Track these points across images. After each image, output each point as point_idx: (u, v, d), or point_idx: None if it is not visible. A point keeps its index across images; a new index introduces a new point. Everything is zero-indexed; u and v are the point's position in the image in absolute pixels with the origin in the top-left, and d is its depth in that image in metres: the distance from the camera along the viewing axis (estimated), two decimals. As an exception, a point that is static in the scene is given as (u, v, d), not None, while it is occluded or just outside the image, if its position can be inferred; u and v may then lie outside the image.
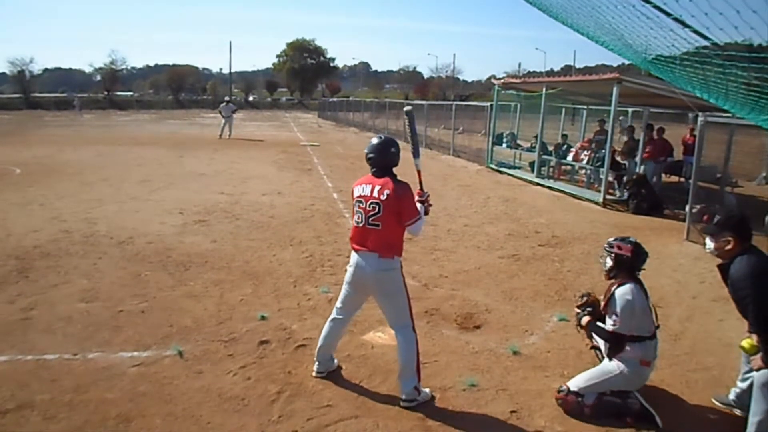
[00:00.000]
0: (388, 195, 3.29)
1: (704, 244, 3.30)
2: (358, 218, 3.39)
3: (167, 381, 3.63)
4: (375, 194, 3.33)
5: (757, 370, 2.93)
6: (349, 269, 3.50)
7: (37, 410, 3.25)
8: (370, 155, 3.42)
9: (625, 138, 12.00)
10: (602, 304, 3.66)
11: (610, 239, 3.60)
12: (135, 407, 3.32)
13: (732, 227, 3.06)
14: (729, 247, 3.05)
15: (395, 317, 3.47)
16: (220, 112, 22.59)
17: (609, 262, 3.51)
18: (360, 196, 3.40)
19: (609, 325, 3.39)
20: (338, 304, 3.65)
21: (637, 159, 11.06)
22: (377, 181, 3.37)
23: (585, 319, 3.61)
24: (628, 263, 3.46)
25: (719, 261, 3.17)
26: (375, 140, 3.46)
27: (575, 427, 3.28)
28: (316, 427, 3.20)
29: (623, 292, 3.37)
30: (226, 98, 23.37)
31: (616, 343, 3.41)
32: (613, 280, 3.53)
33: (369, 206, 3.34)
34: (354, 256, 3.45)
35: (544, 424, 3.29)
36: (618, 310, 3.34)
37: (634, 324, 3.35)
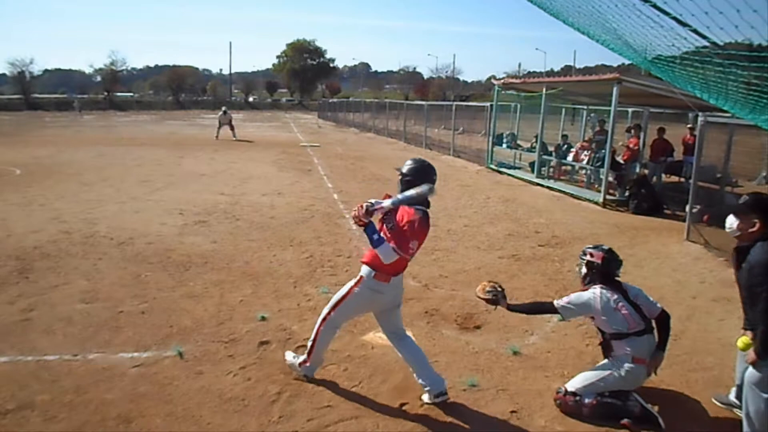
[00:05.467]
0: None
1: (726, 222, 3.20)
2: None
3: (167, 381, 3.63)
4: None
5: (751, 364, 2.91)
6: (379, 295, 3.34)
7: (38, 411, 3.25)
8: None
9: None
10: None
11: (585, 247, 3.70)
12: (135, 408, 3.32)
13: (761, 210, 2.96)
14: (753, 229, 2.95)
15: (401, 323, 3.54)
16: (219, 120, 23.08)
17: (584, 270, 3.61)
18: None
19: (558, 299, 3.54)
20: (344, 321, 3.63)
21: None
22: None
23: (503, 307, 3.66)
24: (600, 270, 3.53)
25: (737, 244, 3.09)
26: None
27: (575, 427, 3.28)
28: (317, 427, 3.20)
29: (587, 292, 3.49)
30: (224, 108, 24.14)
31: (539, 311, 3.70)
32: (587, 286, 3.58)
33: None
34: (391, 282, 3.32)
35: (545, 424, 3.29)
36: (574, 297, 3.49)
37: (604, 322, 3.42)
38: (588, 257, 3.57)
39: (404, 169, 3.36)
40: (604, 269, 3.52)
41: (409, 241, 3.15)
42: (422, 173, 3.31)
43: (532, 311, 3.80)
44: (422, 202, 3.26)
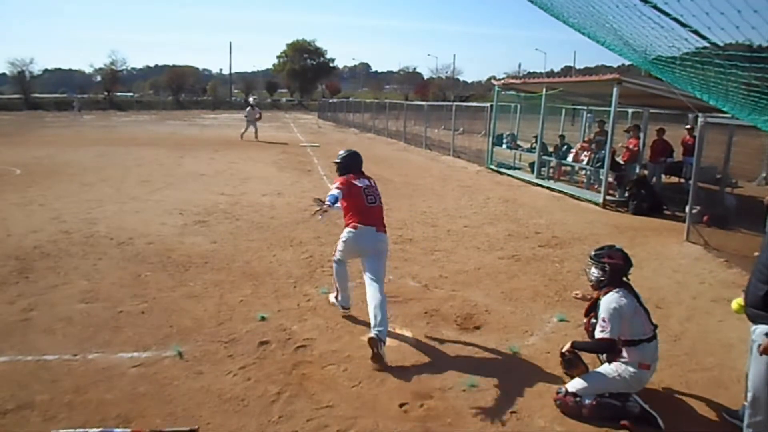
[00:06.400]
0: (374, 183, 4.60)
1: None
2: (370, 200, 4.46)
3: (167, 381, 3.63)
4: (372, 183, 4.56)
5: (762, 353, 2.88)
6: (356, 238, 4.42)
7: (37, 411, 3.25)
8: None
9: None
10: (585, 309, 3.71)
11: (595, 251, 3.61)
12: (135, 408, 3.32)
13: None
14: None
15: (382, 272, 4.43)
16: (247, 117, 22.10)
17: (596, 273, 3.52)
18: (367, 186, 4.50)
19: (598, 331, 3.38)
20: (346, 259, 4.67)
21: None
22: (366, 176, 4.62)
23: (567, 345, 3.59)
24: (622, 271, 3.49)
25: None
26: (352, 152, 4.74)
27: (575, 427, 3.28)
28: (316, 427, 3.20)
29: (609, 300, 3.38)
30: (251, 101, 23.38)
31: (607, 349, 3.41)
32: (601, 290, 3.53)
33: (374, 190, 4.52)
34: (367, 231, 4.38)
35: (544, 425, 3.29)
36: (605, 315, 3.34)
37: (626, 329, 3.35)
38: (607, 260, 3.47)
39: (338, 159, 4.65)
40: (624, 270, 3.48)
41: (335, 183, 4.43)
42: (351, 159, 4.62)
43: (593, 350, 3.57)
44: (351, 169, 4.55)
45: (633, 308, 3.37)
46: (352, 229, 4.44)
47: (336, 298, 4.84)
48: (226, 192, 10.52)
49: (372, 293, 4.23)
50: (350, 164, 4.58)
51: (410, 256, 6.68)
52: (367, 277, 4.36)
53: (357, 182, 4.46)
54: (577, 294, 4.02)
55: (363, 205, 4.42)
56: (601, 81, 10.58)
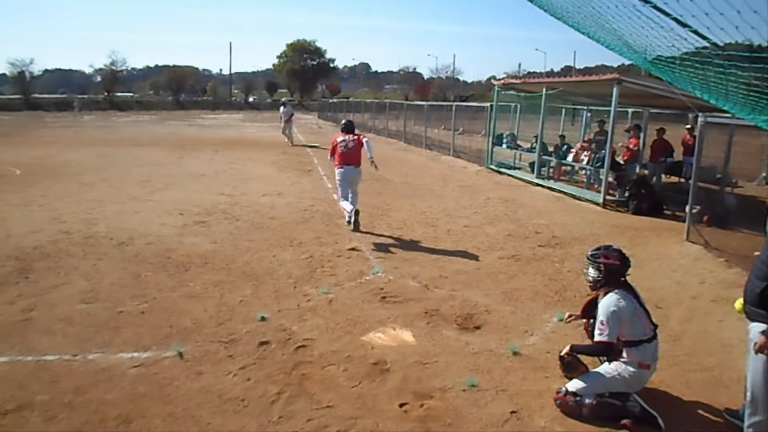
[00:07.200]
0: (358, 137, 7.88)
1: None
2: (343, 148, 7.75)
3: (167, 382, 3.63)
4: (353, 137, 7.86)
5: (758, 352, 2.88)
6: (344, 174, 7.79)
7: (37, 411, 3.25)
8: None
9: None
10: (581, 309, 3.72)
11: (592, 251, 3.60)
12: (135, 408, 3.32)
13: None
14: None
15: (357, 190, 7.96)
16: (281, 117, 21.45)
17: (594, 273, 3.51)
18: (343, 140, 7.80)
19: (596, 334, 3.38)
20: (344, 189, 7.89)
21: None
22: (352, 135, 7.94)
23: (566, 348, 3.61)
24: (618, 272, 3.47)
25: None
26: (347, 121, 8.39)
27: (575, 427, 3.27)
28: (316, 427, 3.20)
29: (608, 302, 3.37)
30: (284, 100, 22.78)
31: (606, 353, 3.41)
32: (599, 290, 3.52)
33: (350, 142, 7.78)
34: (347, 169, 7.77)
35: (544, 425, 3.29)
36: (604, 318, 3.34)
37: (626, 330, 3.35)
38: (603, 260, 3.46)
39: (341, 127, 8.06)
40: (621, 270, 3.47)
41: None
42: (347, 124, 8.12)
43: (591, 353, 3.61)
44: (345, 130, 7.99)
45: (632, 310, 3.36)
46: (339, 169, 7.74)
47: (345, 210, 7.88)
48: (226, 192, 10.52)
49: (352, 199, 7.83)
50: (346, 128, 7.98)
51: (410, 256, 6.68)
52: (349, 194, 7.83)
53: (339, 138, 7.82)
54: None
55: (340, 151, 7.73)
56: (601, 81, 10.58)
